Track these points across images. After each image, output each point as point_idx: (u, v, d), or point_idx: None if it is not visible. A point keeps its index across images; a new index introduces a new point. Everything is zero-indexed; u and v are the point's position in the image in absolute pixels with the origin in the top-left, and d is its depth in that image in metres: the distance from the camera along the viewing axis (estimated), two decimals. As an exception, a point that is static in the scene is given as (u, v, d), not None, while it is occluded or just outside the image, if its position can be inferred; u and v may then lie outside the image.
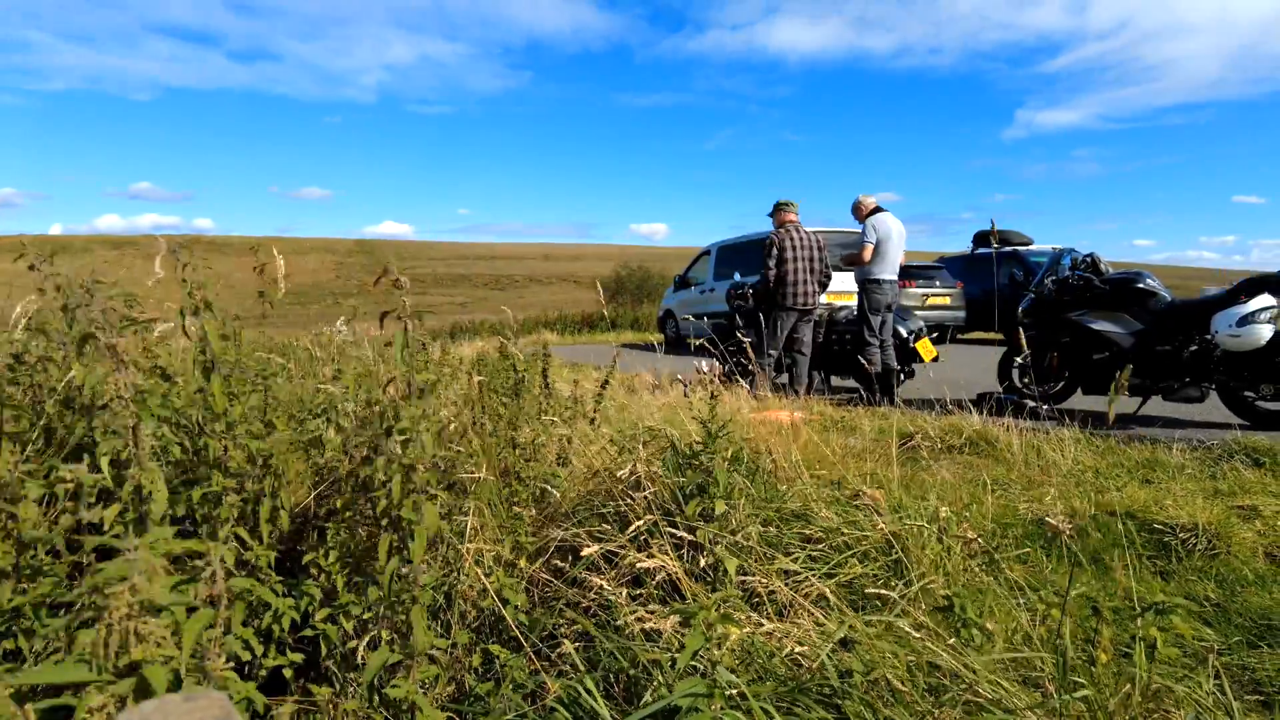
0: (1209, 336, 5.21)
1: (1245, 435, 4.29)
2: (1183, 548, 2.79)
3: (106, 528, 1.39)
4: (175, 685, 1.04)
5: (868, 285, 6.93)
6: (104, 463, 1.42)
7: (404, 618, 1.69)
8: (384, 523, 1.69)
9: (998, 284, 9.68)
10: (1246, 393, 5.18)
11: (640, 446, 2.64)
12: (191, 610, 1.16)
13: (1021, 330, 4.34)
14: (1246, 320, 5.03)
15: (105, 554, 1.54)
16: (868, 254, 6.88)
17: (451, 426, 2.81)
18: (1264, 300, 5.07)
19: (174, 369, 1.82)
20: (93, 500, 1.41)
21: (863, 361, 6.75)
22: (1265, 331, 5.00)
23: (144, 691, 0.98)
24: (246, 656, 1.65)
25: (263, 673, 1.78)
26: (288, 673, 1.82)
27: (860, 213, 7.22)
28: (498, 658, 1.91)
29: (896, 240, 6.98)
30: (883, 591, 2.00)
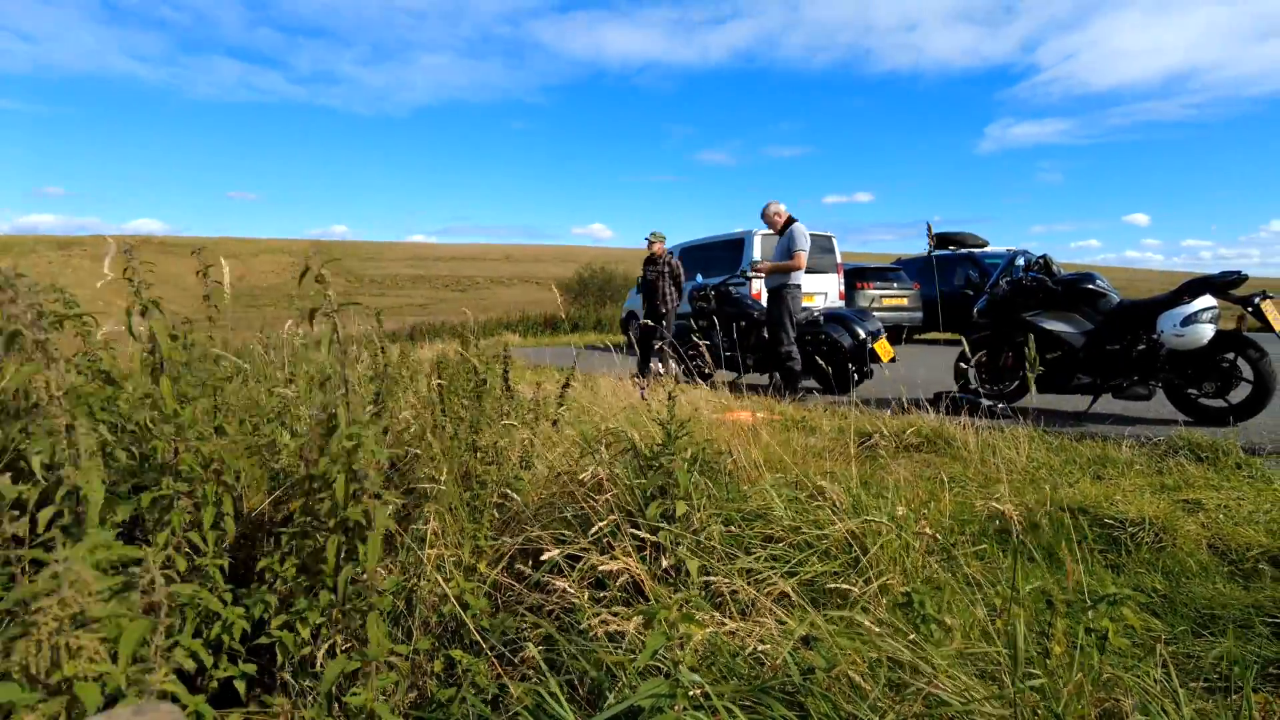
0: (1155, 336, 5.37)
1: (1189, 431, 4.43)
2: (1131, 541, 2.87)
3: (41, 533, 1.33)
4: (111, 702, 1.00)
5: (790, 290, 7.09)
6: (36, 463, 1.34)
7: (361, 624, 1.66)
8: (330, 525, 1.66)
9: (988, 284, 9.81)
10: (1190, 390, 5.35)
11: (602, 449, 2.63)
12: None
13: (976, 330, 4.43)
14: (1190, 320, 5.20)
15: (37, 566, 1.48)
16: (802, 261, 7.03)
17: (411, 430, 2.77)
18: (1205, 301, 5.25)
19: (119, 373, 1.76)
20: (19, 513, 1.33)
21: (784, 360, 6.97)
22: (1207, 331, 5.17)
23: (76, 710, 0.94)
24: (194, 668, 1.60)
25: (213, 685, 1.73)
26: (239, 684, 1.78)
27: (778, 221, 7.36)
28: (459, 663, 1.89)
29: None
30: (843, 585, 2.02)
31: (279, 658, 1.81)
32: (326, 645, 1.75)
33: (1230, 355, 5.19)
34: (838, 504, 2.46)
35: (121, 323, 1.77)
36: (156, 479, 1.73)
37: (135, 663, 1.05)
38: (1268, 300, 5.16)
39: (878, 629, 1.74)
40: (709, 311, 8.08)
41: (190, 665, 1.54)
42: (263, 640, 1.81)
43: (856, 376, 7.24)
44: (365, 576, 1.58)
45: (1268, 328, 5.15)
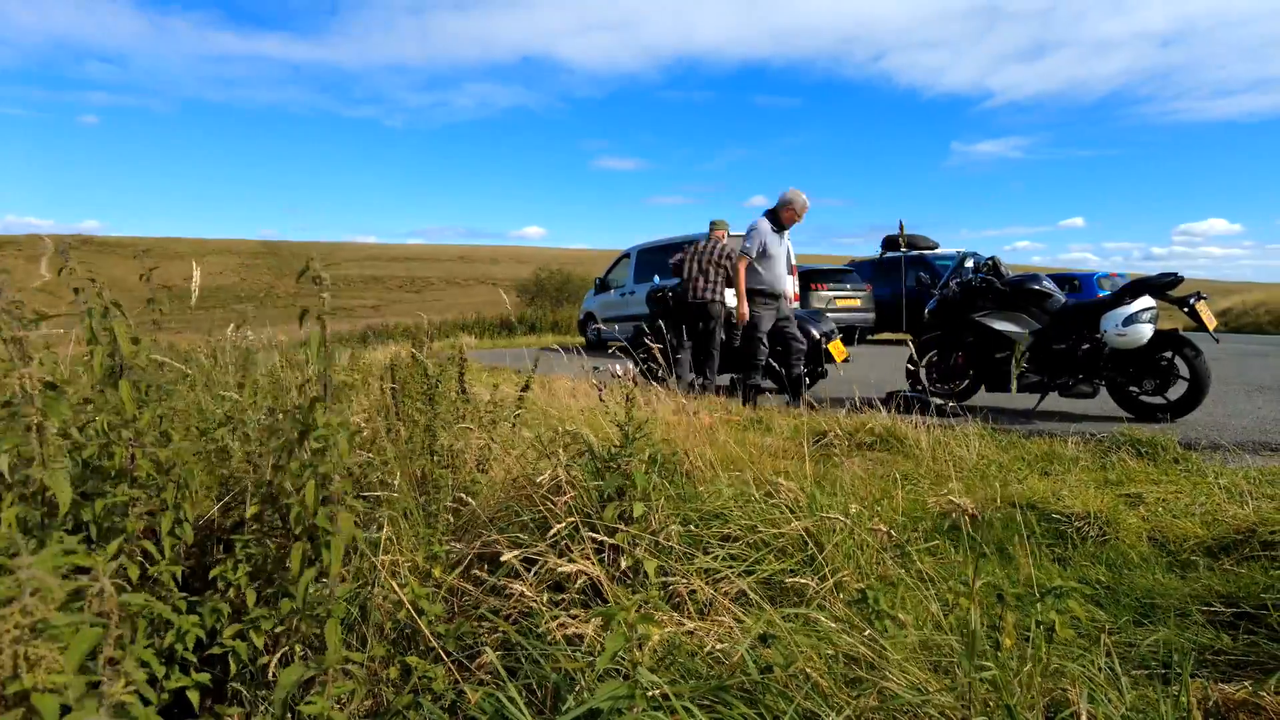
0: (1099, 335, 5.54)
1: (1131, 427, 4.57)
2: (1077, 535, 2.95)
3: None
4: (66, 712, 0.97)
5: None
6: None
7: (317, 631, 1.63)
8: (298, 531, 1.62)
9: (938, 285, 9.90)
10: (1131, 388, 5.53)
11: (560, 451, 2.61)
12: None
13: (928, 331, 4.52)
14: (1131, 320, 5.38)
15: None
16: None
17: (364, 434, 2.72)
18: (1145, 301, 5.44)
19: (59, 376, 1.69)
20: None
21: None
22: (1147, 331, 5.36)
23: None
24: (144, 679, 1.55)
25: (165, 696, 1.68)
26: (193, 695, 1.73)
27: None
28: (415, 669, 1.86)
29: None
30: (800, 583, 2.04)
31: (232, 667, 1.76)
32: (281, 654, 1.70)
33: (1168, 354, 5.38)
34: (793, 502, 2.49)
35: (61, 324, 1.71)
36: (101, 486, 1.67)
37: (82, 673, 1.01)
38: (1201, 301, 5.37)
39: (834, 625, 1.77)
40: (669, 313, 8.08)
41: (141, 676, 1.49)
42: (215, 650, 1.76)
43: (811, 377, 7.31)
44: (328, 582, 1.54)
45: (1202, 327, 5.36)
